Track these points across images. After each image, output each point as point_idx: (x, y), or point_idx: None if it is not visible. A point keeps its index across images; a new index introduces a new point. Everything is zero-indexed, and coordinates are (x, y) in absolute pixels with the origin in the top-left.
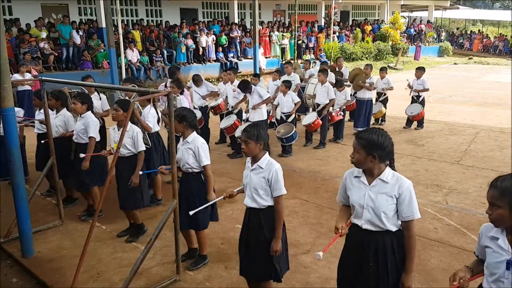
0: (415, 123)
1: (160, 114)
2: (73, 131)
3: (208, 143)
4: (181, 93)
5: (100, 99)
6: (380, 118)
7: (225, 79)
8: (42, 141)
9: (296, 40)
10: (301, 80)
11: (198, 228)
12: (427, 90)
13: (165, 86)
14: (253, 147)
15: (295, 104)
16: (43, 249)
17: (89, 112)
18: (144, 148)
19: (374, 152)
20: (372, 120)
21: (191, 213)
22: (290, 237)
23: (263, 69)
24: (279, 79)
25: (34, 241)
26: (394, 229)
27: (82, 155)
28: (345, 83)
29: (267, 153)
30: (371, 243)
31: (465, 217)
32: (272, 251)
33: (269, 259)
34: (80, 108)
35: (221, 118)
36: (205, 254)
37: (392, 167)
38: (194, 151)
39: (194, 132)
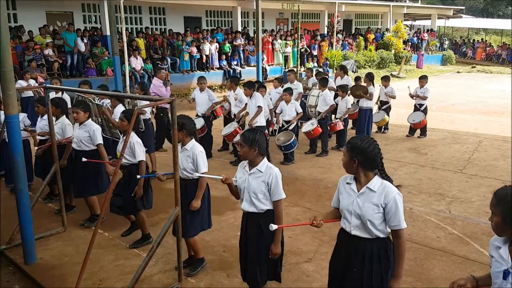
0: (418, 132)
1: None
2: (69, 137)
3: (211, 150)
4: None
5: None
6: (383, 126)
7: (228, 87)
8: (36, 153)
9: (299, 48)
10: (305, 89)
11: (184, 235)
12: (425, 98)
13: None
14: (246, 150)
15: (297, 113)
16: (46, 255)
17: (90, 119)
18: (144, 159)
19: (355, 157)
20: (375, 128)
21: (195, 175)
22: (292, 245)
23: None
24: (281, 87)
25: (37, 248)
26: (382, 235)
27: (84, 159)
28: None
29: (266, 158)
30: (358, 249)
31: (468, 226)
32: (272, 254)
33: (269, 263)
34: (83, 116)
35: (225, 125)
36: (202, 257)
37: (383, 177)
38: (193, 158)
39: (193, 139)
